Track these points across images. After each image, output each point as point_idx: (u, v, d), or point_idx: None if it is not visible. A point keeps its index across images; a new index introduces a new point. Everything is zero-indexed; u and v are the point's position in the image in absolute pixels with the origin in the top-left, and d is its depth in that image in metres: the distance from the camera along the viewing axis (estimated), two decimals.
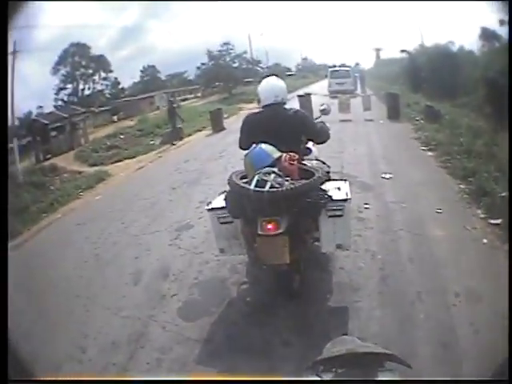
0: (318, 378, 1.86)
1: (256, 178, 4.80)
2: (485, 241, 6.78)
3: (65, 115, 19.53)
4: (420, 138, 14.06)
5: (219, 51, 25.62)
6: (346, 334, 2.66)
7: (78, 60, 22.07)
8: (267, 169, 4.88)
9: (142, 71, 24.72)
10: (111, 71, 22.95)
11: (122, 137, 19.72)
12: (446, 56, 21.09)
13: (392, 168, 10.55)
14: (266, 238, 4.74)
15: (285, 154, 5.06)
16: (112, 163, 16.88)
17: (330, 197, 4.96)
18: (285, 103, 5.69)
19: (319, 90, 22.65)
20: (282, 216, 4.71)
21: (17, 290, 5.14)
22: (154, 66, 25.01)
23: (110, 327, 5.62)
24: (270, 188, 4.70)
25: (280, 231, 4.68)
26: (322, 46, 27.72)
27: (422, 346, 4.56)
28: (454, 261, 6.21)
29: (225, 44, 25.56)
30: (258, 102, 5.93)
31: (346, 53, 26.46)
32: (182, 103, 23.64)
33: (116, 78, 23.35)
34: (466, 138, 12.27)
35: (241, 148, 5.80)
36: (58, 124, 18.94)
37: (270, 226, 4.69)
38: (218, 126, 19.01)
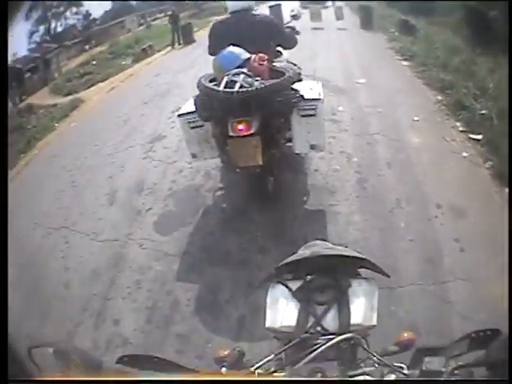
0: (319, 378, 1.39)
1: (225, 79, 4.48)
2: (465, 154, 6.47)
3: (37, 55, 18.76)
4: (394, 47, 13.63)
5: None
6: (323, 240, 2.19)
7: (49, 3, 21.18)
8: (236, 70, 4.55)
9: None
10: (82, 5, 22.13)
11: (94, 62, 19.05)
12: None
13: (366, 75, 10.15)
14: (237, 139, 4.48)
15: (254, 55, 4.74)
16: (85, 89, 16.22)
17: (302, 96, 4.73)
18: (252, 9, 5.36)
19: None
20: (253, 116, 4.43)
21: None
22: None
23: (90, 254, 5.33)
24: (240, 88, 4.37)
25: (251, 132, 4.41)
26: None
27: (402, 256, 4.44)
28: (433, 171, 5.97)
29: None
30: (225, 10, 5.69)
31: None
32: (153, 23, 22.90)
33: (87, 11, 22.60)
34: (443, 53, 11.61)
35: (210, 54, 5.36)
36: (32, 65, 18.07)
37: (241, 127, 4.40)
38: (188, 39, 18.75)
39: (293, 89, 4.73)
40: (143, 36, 21.00)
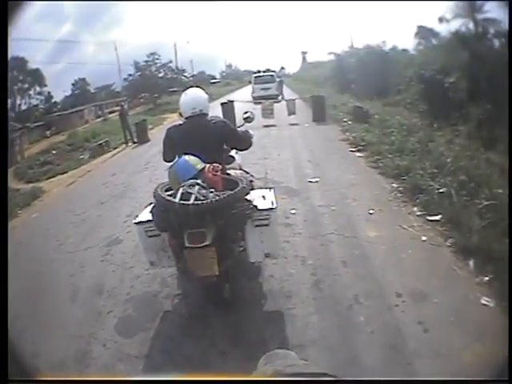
0: (319, 378, 1.71)
1: (181, 190, 4.55)
2: (424, 238, 6.54)
3: None
4: (348, 139, 13.82)
5: (145, 61, 25.40)
6: (283, 346, 2.48)
7: (16, 74, 21.67)
8: (191, 181, 4.63)
9: (73, 84, 24.47)
10: (45, 85, 22.46)
11: (54, 152, 19.45)
12: (377, 55, 20.91)
13: (319, 172, 10.37)
14: (193, 250, 4.53)
15: (208, 165, 4.85)
16: (46, 179, 16.63)
17: (256, 206, 4.83)
18: (206, 114, 5.44)
19: (244, 97, 22.33)
20: (208, 228, 4.50)
21: None
22: (84, 79, 24.79)
23: (57, 346, 5.40)
24: (195, 200, 4.44)
25: (207, 243, 4.47)
26: (246, 52, 27.94)
27: (364, 348, 4.41)
28: (391, 261, 6.00)
29: (151, 54, 25.38)
30: (180, 114, 5.69)
31: (272, 57, 26.41)
32: (109, 115, 23.27)
33: (49, 93, 23.04)
34: (398, 136, 11.90)
35: (165, 161, 5.61)
36: None
37: (196, 239, 4.48)
38: (143, 138, 18.84)
39: (246, 199, 4.76)
40: (100, 130, 21.35)
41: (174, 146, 5.37)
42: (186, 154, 4.93)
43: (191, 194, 4.48)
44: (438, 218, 6.95)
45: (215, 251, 4.53)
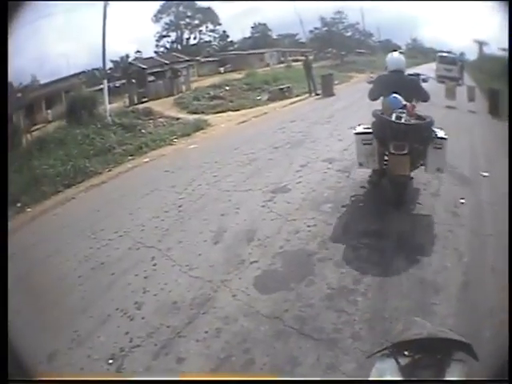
0: (320, 378, 2.04)
1: (394, 114, 6.83)
2: None
3: (166, 61, 19.24)
4: None
5: (332, 18, 24.98)
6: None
7: (182, 10, 21.87)
8: (400, 109, 6.91)
9: (252, 27, 24.20)
10: (219, 24, 22.54)
11: (227, 88, 19.06)
12: None
13: (490, 168, 9.54)
14: (395, 155, 6.81)
15: (408, 103, 7.13)
16: (214, 113, 16.38)
17: (436, 134, 7.01)
18: (403, 71, 7.81)
19: (427, 72, 21.74)
20: (407, 142, 6.74)
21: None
22: (265, 24, 24.47)
23: (176, 285, 5.45)
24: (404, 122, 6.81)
25: (405, 152, 6.76)
26: (430, 30, 26.84)
27: None
28: None
29: (338, 12, 24.90)
30: (385, 68, 7.98)
31: (451, 41, 25.22)
32: (293, 63, 22.98)
33: (225, 32, 22.95)
34: None
35: (370, 98, 7.86)
36: (158, 69, 18.71)
37: (399, 148, 6.74)
38: (328, 91, 18.25)
39: (432, 129, 6.98)
40: (282, 75, 21.03)
41: (380, 88, 7.69)
42: (394, 92, 7.17)
43: (401, 117, 6.81)
44: None
45: (409, 158, 6.85)
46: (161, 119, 15.53)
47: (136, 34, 18.80)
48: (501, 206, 7.45)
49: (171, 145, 12.52)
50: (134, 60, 18.69)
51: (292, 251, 5.93)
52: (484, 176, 9.14)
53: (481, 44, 26.05)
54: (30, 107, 14.19)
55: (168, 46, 21.24)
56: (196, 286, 5.34)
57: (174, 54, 20.39)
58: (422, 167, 7.29)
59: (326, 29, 25.02)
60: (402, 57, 8.00)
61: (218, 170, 9.15)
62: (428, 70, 22.85)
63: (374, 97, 7.81)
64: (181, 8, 21.69)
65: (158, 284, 5.43)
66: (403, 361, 2.00)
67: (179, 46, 21.62)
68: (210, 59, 22.23)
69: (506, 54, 23.15)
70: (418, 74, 9.17)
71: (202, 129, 14.04)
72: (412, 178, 7.30)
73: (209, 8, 22.05)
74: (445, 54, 24.70)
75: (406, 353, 2.03)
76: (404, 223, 6.68)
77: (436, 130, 7.16)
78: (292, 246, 6.03)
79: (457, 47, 24.72)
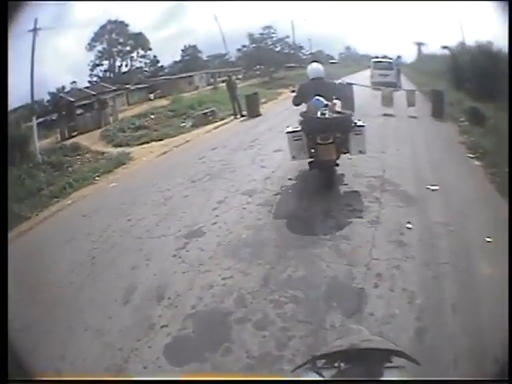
0: (319, 378, 1.87)
1: (319, 111, 8.56)
2: None
3: (93, 92, 19.20)
4: (465, 142, 13.02)
5: (261, 34, 25.12)
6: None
7: (115, 37, 22.04)
8: (324, 108, 8.62)
9: (182, 50, 24.43)
10: (150, 49, 22.76)
11: (152, 117, 19.10)
12: (488, 56, 20.32)
13: (438, 178, 9.36)
14: (322, 145, 8.39)
15: (330, 102, 8.90)
16: (138, 145, 16.34)
17: (355, 123, 8.77)
18: (323, 78, 9.71)
19: (361, 80, 21.94)
20: (332, 132, 8.36)
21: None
22: (195, 46, 24.59)
23: (89, 354, 5.06)
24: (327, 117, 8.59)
25: (330, 141, 8.35)
26: (364, 36, 27.20)
27: None
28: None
29: (266, 27, 25.04)
30: (307, 77, 9.83)
31: (387, 45, 25.52)
32: (221, 85, 22.93)
33: (155, 56, 23.10)
34: None
35: (293, 104, 9.70)
36: (86, 102, 18.63)
37: (325, 138, 8.33)
38: (253, 111, 18.10)
39: (351, 120, 8.79)
40: (208, 98, 21.06)
41: (302, 94, 9.46)
42: (316, 96, 8.93)
43: (325, 113, 8.53)
44: None
45: (334, 146, 8.43)
46: (87, 155, 15.48)
47: (72, 63, 19.28)
48: (457, 225, 7.08)
49: (93, 183, 12.26)
50: (63, 93, 18.54)
51: (205, 312, 5.45)
52: (433, 190, 8.74)
53: (419, 45, 26.48)
54: None
55: (101, 74, 21.38)
56: (107, 354, 4.95)
57: (103, 84, 20.46)
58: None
59: (254, 45, 25.08)
60: (320, 66, 9.92)
61: (133, 212, 8.91)
62: (363, 78, 23.28)
63: (296, 102, 9.68)
64: (113, 35, 21.82)
65: (73, 351, 5.11)
66: (328, 373, 1.96)
67: (112, 75, 21.71)
68: (140, 86, 22.33)
69: (446, 52, 23.76)
70: (351, 84, 12.70)
71: (124, 164, 13.86)
72: (338, 164, 8.74)
73: (140, 33, 22.40)
74: (379, 60, 24.99)
75: (329, 365, 2.01)
76: (336, 266, 6.04)
77: (355, 120, 8.99)
78: (205, 306, 5.55)
79: (394, 51, 25.01)
